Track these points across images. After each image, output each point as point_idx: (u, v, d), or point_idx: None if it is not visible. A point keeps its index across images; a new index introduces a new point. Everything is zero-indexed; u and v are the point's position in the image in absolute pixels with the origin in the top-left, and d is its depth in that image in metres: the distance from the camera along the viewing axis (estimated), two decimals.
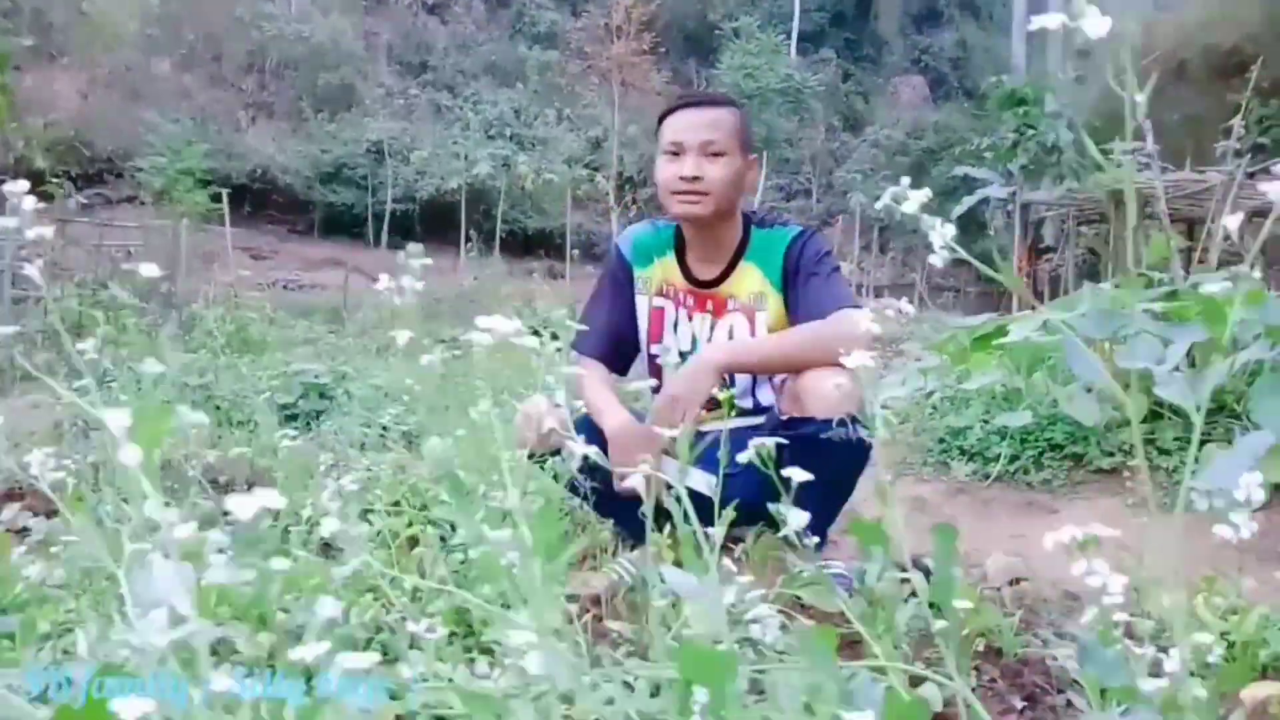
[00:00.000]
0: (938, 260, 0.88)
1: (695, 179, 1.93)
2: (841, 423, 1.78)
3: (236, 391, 4.17)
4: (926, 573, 2.02)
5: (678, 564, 1.69)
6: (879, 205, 0.85)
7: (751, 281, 2.03)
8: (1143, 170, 9.83)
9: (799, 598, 1.71)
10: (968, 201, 17.12)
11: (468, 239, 17.21)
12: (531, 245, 21.90)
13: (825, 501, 1.93)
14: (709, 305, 2.09)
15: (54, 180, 6.33)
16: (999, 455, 2.95)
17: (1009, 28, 27.05)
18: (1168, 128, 15.11)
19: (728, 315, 2.05)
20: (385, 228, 19.51)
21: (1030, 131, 11.09)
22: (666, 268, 2.13)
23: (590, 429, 2.04)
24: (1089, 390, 2.97)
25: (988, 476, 2.95)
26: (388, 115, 24.11)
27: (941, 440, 3.25)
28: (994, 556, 1.87)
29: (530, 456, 2.20)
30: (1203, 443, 2.33)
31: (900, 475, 3.24)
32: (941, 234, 0.93)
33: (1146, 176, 10.03)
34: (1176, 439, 2.79)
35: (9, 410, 4.34)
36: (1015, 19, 25.90)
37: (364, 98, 24.76)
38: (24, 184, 0.70)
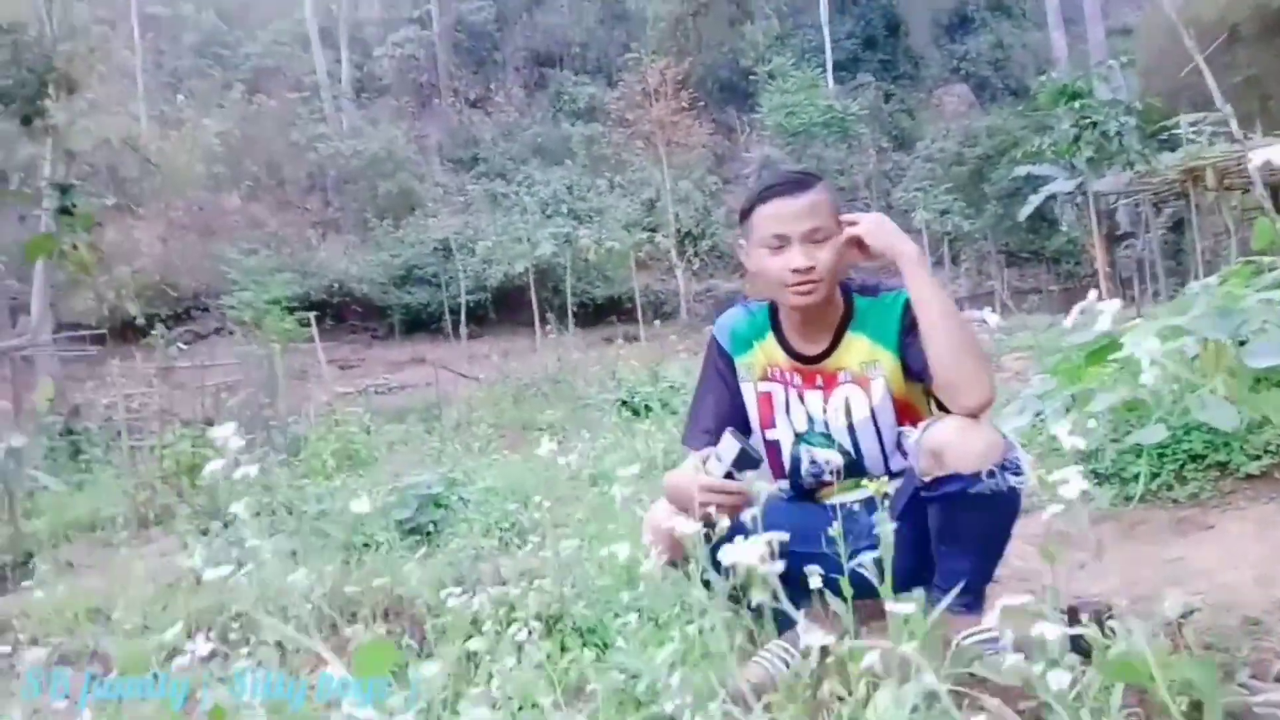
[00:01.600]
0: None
1: (809, 269, 1.91)
2: (991, 474, 1.72)
3: (352, 514, 4.25)
4: (1098, 623, 1.93)
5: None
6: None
7: (860, 351, 1.99)
8: (1215, 143, 9.55)
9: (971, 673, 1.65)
10: (1034, 200, 16.81)
11: (543, 319, 17.46)
12: (603, 313, 22.13)
13: (981, 558, 1.87)
14: (818, 380, 2.05)
15: (146, 327, 6.60)
16: (1138, 475, 2.83)
17: (1045, 21, 26.72)
18: (1231, 93, 14.68)
19: (840, 388, 2.01)
20: (462, 319, 19.93)
21: (1087, 122, 10.87)
22: (768, 350, 2.08)
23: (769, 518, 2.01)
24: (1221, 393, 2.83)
25: (1130, 498, 2.83)
26: (449, 212, 24.80)
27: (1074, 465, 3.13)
28: (1171, 593, 1.78)
29: (671, 564, 2.19)
30: None
31: (1037, 508, 3.13)
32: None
33: (1222, 149, 9.75)
34: None
35: (135, 561, 4.51)
36: (1049, 11, 25.59)
37: (423, 199, 25.53)
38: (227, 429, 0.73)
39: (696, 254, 24.04)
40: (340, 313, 22.86)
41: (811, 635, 2.18)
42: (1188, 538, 2.56)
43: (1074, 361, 3.39)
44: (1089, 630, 1.80)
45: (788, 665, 2.00)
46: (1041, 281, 22.78)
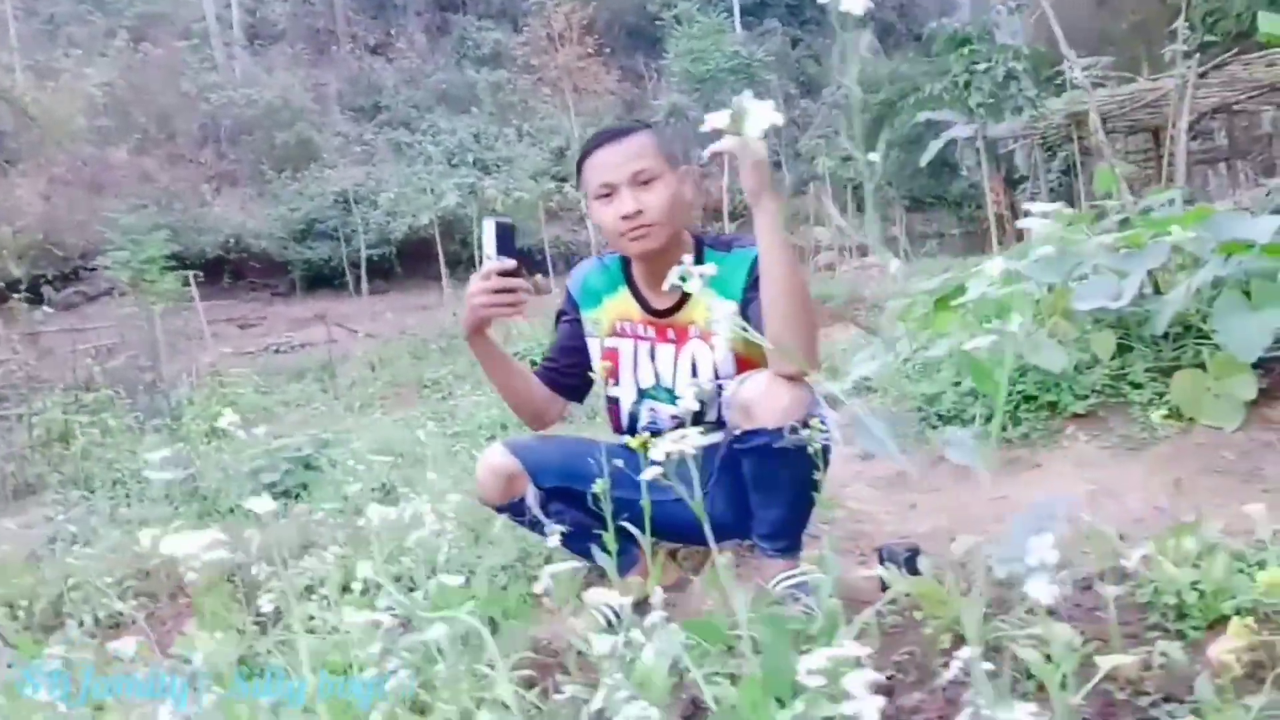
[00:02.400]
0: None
1: (637, 214, 1.89)
2: (793, 430, 1.75)
3: (220, 479, 4.16)
4: (905, 563, 2.00)
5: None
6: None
7: (708, 306, 2.00)
8: (1096, 88, 9.79)
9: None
10: (934, 146, 17.07)
11: (450, 272, 17.19)
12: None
13: (792, 509, 1.90)
14: (670, 334, 2.06)
15: (17, 296, 6.29)
16: (974, 416, 2.91)
17: None
18: (1119, 38, 15.06)
19: (690, 343, 2.03)
20: (363, 274, 19.50)
21: (978, 69, 11.04)
22: (620, 304, 2.09)
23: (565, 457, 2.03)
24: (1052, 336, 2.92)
25: None
26: (349, 163, 24.10)
27: (919, 409, 3.21)
28: (960, 537, 1.84)
29: (498, 509, 2.20)
30: (1174, 369, 2.29)
31: (879, 451, 3.21)
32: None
33: (1101, 95, 10.00)
34: (1148, 370, 2.76)
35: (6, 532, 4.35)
36: None
37: (323, 149, 24.74)
38: None
39: None
40: (239, 270, 22.12)
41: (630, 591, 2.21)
42: (1016, 477, 2.66)
43: (919, 308, 3.46)
44: (886, 572, 1.86)
45: (617, 617, 2.03)
46: (944, 225, 23.26)
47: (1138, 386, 2.73)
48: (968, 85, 11.62)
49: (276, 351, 16.21)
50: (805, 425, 1.79)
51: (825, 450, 1.85)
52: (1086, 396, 2.78)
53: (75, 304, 18.62)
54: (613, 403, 2.16)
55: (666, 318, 2.06)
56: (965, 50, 11.47)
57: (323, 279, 21.85)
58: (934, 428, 3.05)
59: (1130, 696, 1.32)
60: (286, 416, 7.20)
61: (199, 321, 10.64)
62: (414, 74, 29.22)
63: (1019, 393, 2.89)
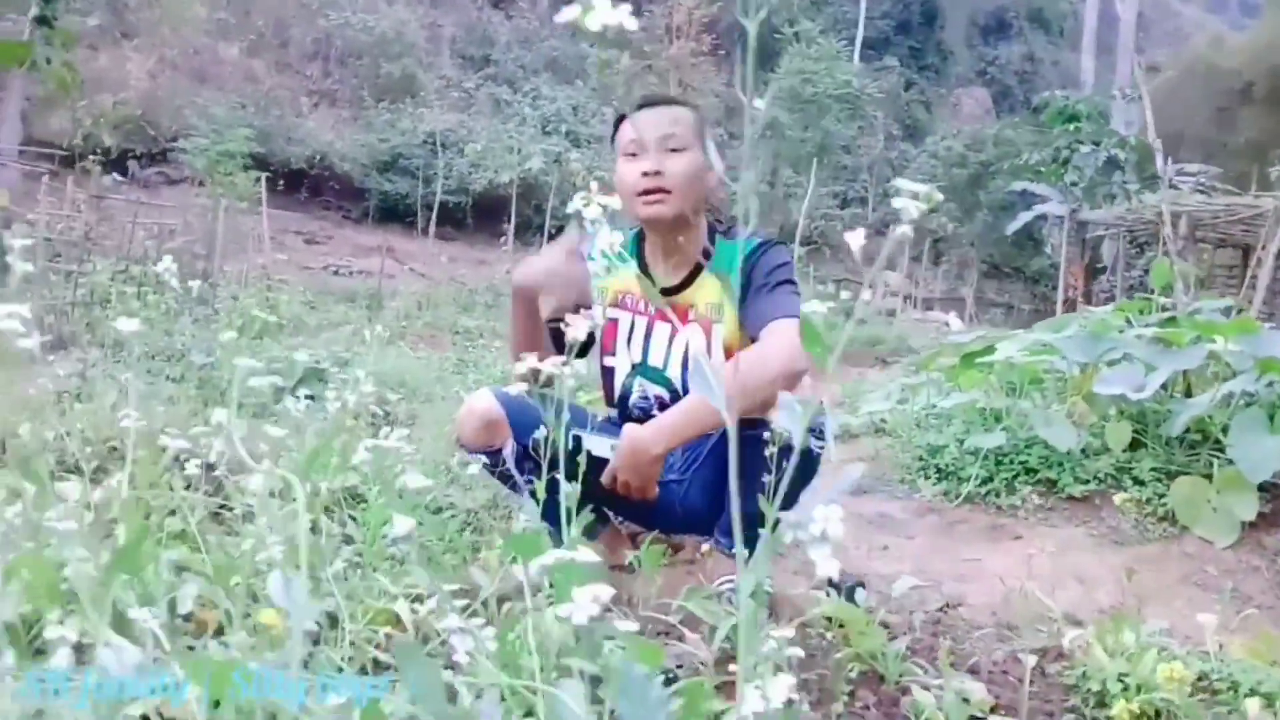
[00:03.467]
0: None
1: (656, 174, 1.89)
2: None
3: (234, 371, 4.23)
4: (843, 590, 1.98)
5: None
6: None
7: (711, 292, 2.00)
8: (1198, 194, 9.55)
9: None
10: (1024, 217, 16.81)
11: (516, 232, 17.28)
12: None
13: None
14: (668, 315, 2.05)
15: (94, 157, 6.47)
16: (971, 476, 2.87)
17: (1079, 44, 26.48)
18: (1232, 150, 14.69)
19: (688, 326, 2.02)
20: (434, 218, 19.70)
21: (1080, 148, 10.83)
22: (625, 278, 2.08)
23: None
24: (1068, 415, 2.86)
25: (959, 496, 2.88)
26: (446, 107, 24.34)
27: (920, 459, 3.17)
28: (902, 578, 1.81)
29: (472, 453, 2.21)
30: (1181, 474, 2.24)
31: (874, 490, 3.18)
32: (855, 240, 0.86)
33: (1199, 200, 9.76)
34: (1154, 469, 2.69)
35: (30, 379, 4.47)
36: (1085, 33, 25.36)
37: (424, 89, 25.02)
38: None
39: None
40: (317, 186, 22.46)
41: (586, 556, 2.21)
42: (996, 543, 2.61)
43: (951, 359, 3.41)
44: (826, 596, 1.84)
45: None
46: (1016, 298, 22.90)
47: (1140, 483, 2.67)
48: (1066, 162, 11.40)
49: (335, 273, 16.46)
50: (808, 429, 1.77)
51: (817, 459, 1.84)
52: (1087, 481, 2.72)
53: (156, 184, 19.04)
54: (607, 373, 2.16)
55: (669, 296, 2.05)
56: (1072, 126, 11.26)
57: (395, 213, 22.10)
58: (928, 478, 3.01)
59: None
60: (321, 332, 7.31)
61: (262, 224, 10.83)
62: (529, 35, 29.43)
63: (1020, 463, 2.84)
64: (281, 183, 19.71)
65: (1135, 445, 2.80)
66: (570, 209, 1.05)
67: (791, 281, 1.98)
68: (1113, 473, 2.74)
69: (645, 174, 1.92)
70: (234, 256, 9.44)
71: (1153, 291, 3.37)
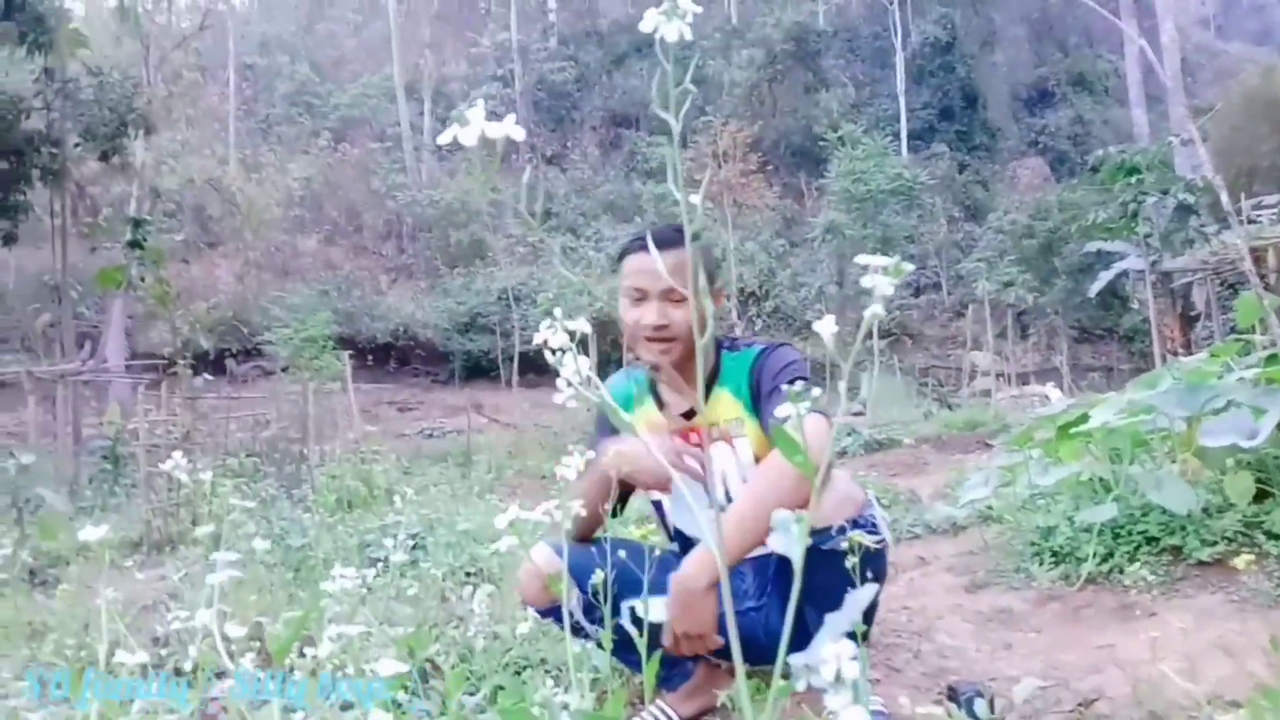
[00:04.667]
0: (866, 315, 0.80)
1: (663, 327, 1.90)
2: (842, 530, 1.65)
3: (331, 550, 4.28)
4: (965, 704, 1.83)
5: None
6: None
7: (726, 408, 1.97)
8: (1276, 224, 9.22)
9: None
10: (1104, 277, 16.37)
11: (597, 368, 17.49)
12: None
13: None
14: (693, 438, 2.02)
15: (184, 361, 6.83)
16: (1089, 555, 2.68)
17: (1127, 98, 26.30)
18: None
19: (714, 447, 1.98)
20: (515, 369, 20.13)
21: (1145, 199, 10.59)
22: (647, 414, 2.07)
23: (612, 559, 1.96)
24: (1181, 475, 2.69)
25: (1080, 578, 2.69)
26: (515, 263, 25.23)
27: (1032, 543, 2.99)
28: (1024, 680, 1.67)
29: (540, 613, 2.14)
30: None
31: (989, 584, 2.99)
32: (826, 328, 0.84)
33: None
34: None
35: (134, 582, 4.60)
36: (1132, 87, 25.20)
37: (492, 249, 26.04)
38: None
39: (759, 314, 24.00)
40: (405, 356, 23.32)
41: (685, 706, 2.11)
42: (1127, 624, 2.42)
43: (1044, 434, 3.26)
44: (936, 710, 1.71)
45: None
46: (1113, 359, 22.13)
47: (1275, 537, 2.46)
48: (1135, 215, 11.14)
49: (429, 436, 16.84)
50: (857, 525, 1.69)
51: (879, 556, 1.74)
52: (1215, 543, 2.52)
53: (253, 378, 19.96)
54: (657, 508, 2.13)
55: (688, 421, 2.02)
56: (1134, 178, 11.04)
57: (480, 369, 22.71)
58: (1042, 564, 2.83)
59: None
60: (414, 496, 7.39)
61: (363, 399, 11.20)
62: (585, 184, 30.57)
63: (1139, 533, 2.65)
64: (370, 358, 20.50)
65: (1261, 496, 2.60)
66: (537, 339, 1.04)
67: (805, 378, 1.92)
68: (1242, 530, 2.53)
69: (648, 324, 1.92)
70: (327, 436, 9.72)
71: (1245, 331, 3.20)
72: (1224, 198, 3.98)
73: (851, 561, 1.65)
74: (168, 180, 18.75)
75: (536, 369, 22.86)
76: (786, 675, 0.91)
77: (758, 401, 1.90)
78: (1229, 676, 1.95)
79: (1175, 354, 14.14)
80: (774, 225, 26.59)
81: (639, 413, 2.07)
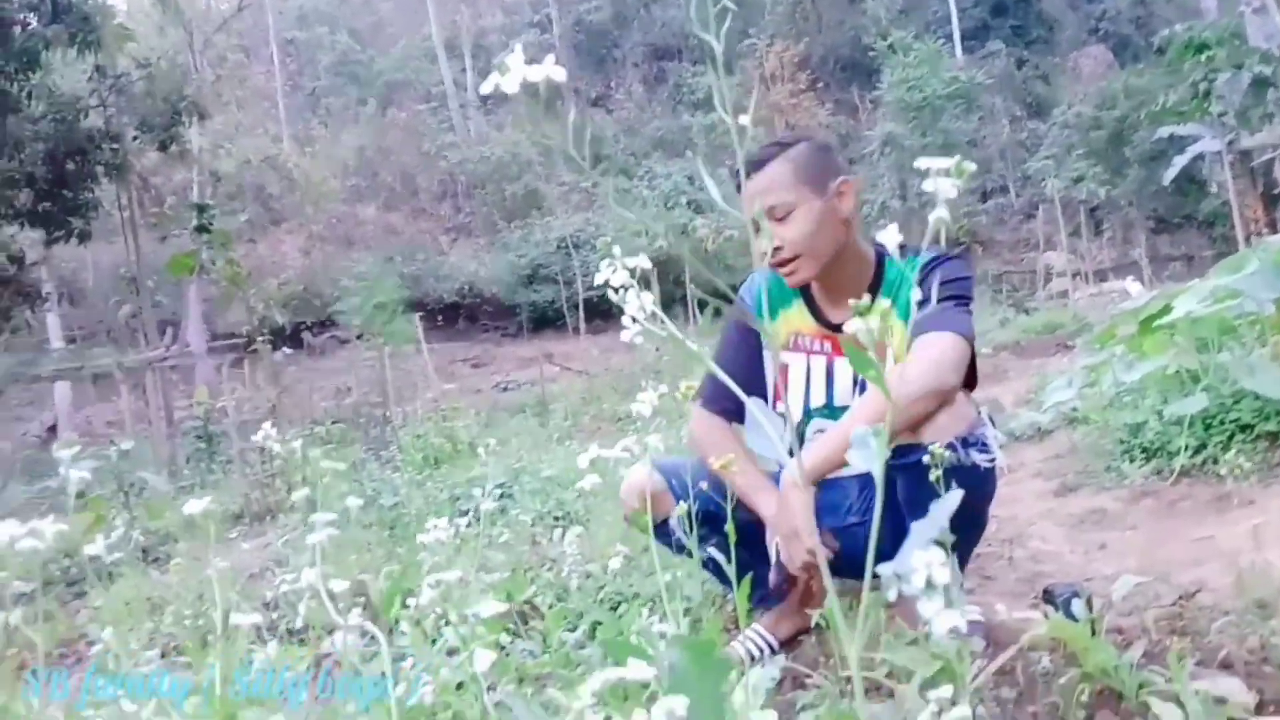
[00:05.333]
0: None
1: (777, 249, 1.83)
2: (950, 446, 1.62)
3: (423, 506, 4.40)
4: (1062, 605, 1.82)
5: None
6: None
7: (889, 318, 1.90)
8: None
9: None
10: (1179, 162, 15.69)
11: (663, 306, 17.48)
12: (729, 301, 22.06)
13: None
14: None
15: (262, 338, 7.01)
16: (1181, 448, 2.62)
17: None
18: None
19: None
20: (581, 316, 20.22)
21: (1218, 76, 10.06)
22: (793, 318, 1.98)
23: (710, 480, 1.93)
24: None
25: (1174, 473, 2.63)
26: (571, 210, 25.20)
27: (1121, 441, 2.93)
28: (1122, 578, 1.65)
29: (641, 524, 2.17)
30: None
31: (1080, 486, 2.95)
32: (942, 186, 0.74)
33: None
34: None
35: (240, 552, 4.81)
36: None
37: (547, 199, 26.04)
38: None
39: None
40: (472, 313, 23.60)
41: (781, 628, 2.12)
42: (1225, 515, 2.37)
43: (1128, 329, 3.17)
44: (1033, 614, 1.70)
45: (760, 653, 1.96)
46: (1193, 247, 21.30)
47: None
48: (1208, 94, 10.61)
49: (504, 390, 17.08)
50: (966, 443, 1.66)
51: (989, 473, 1.71)
52: None
53: (330, 348, 20.41)
54: (781, 419, 2.08)
55: (841, 334, 1.94)
56: (1203, 56, 10.48)
57: (546, 320, 22.88)
58: (1134, 460, 2.77)
59: None
60: (496, 447, 7.53)
61: (435, 360, 11.39)
62: (632, 123, 30.26)
63: (1233, 422, 2.58)
64: (439, 318, 20.78)
65: None
66: (598, 279, 1.03)
67: (962, 297, 1.83)
68: None
69: (764, 254, 1.85)
70: (407, 398, 9.93)
71: None
72: None
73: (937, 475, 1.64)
74: (225, 163, 19.11)
75: (602, 314, 22.95)
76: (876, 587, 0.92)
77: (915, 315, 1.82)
78: None
79: (1260, 235, 13.55)
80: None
81: (783, 316, 1.99)
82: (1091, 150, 19.21)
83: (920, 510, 1.95)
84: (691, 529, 1.86)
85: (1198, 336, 2.94)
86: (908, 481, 1.74)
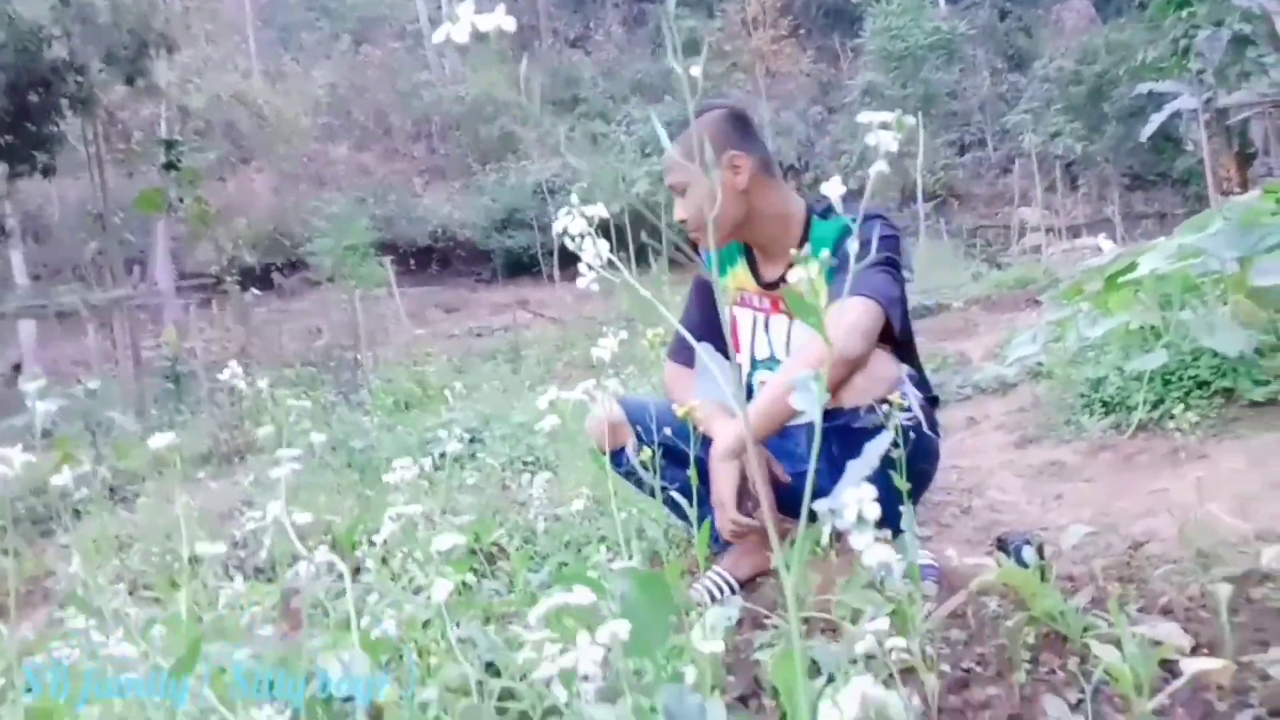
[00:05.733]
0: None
1: (682, 223, 1.92)
2: (871, 409, 1.68)
3: (393, 450, 4.41)
4: (1014, 552, 1.87)
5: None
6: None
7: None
8: None
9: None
10: (1156, 119, 15.73)
11: (637, 257, 17.43)
12: (685, 254, 22.02)
13: (885, 490, 1.82)
14: (782, 305, 2.04)
15: (232, 278, 6.94)
16: (1140, 403, 2.67)
17: None
18: None
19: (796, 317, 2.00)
20: (556, 263, 20.11)
21: (1198, 33, 10.06)
22: (739, 275, 2.10)
23: (674, 422, 2.00)
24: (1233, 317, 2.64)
25: (1131, 426, 2.69)
26: (547, 154, 24.91)
27: (1082, 395, 2.98)
28: (1072, 527, 1.69)
29: (603, 454, 2.22)
30: None
31: (1040, 438, 3.01)
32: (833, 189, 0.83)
33: None
34: None
35: (208, 493, 4.81)
36: None
37: (523, 142, 25.70)
38: None
39: (799, 187, 23.59)
40: (446, 257, 23.38)
41: (740, 568, 2.17)
42: (1179, 469, 2.42)
43: (1089, 286, 3.21)
44: (986, 561, 1.75)
45: (720, 593, 2.01)
46: (1167, 205, 21.45)
47: None
48: (1187, 50, 10.62)
49: (477, 335, 17.02)
50: (887, 403, 1.70)
51: (911, 430, 1.75)
52: (1268, 383, 2.50)
53: (300, 290, 20.23)
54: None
55: (773, 290, 2.03)
56: (1184, 12, 10.46)
57: (521, 266, 22.72)
58: (1093, 414, 2.83)
59: (1232, 708, 1.17)
60: (468, 393, 7.54)
61: (408, 304, 11.32)
62: (611, 65, 29.81)
63: (1190, 378, 2.63)
64: (412, 262, 20.59)
65: None
66: (555, 228, 1.04)
67: (888, 259, 1.87)
68: None
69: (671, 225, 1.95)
70: (378, 341, 9.89)
71: None
72: None
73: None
74: (195, 99, 18.68)
75: (576, 260, 22.84)
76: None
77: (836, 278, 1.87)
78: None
79: (1232, 194, 13.67)
80: (810, 93, 25.79)
81: (731, 274, 2.10)
82: (1070, 105, 19.22)
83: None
84: (654, 468, 1.91)
85: (1161, 294, 2.98)
86: (839, 444, 1.79)
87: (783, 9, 26.50)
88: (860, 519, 0.64)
